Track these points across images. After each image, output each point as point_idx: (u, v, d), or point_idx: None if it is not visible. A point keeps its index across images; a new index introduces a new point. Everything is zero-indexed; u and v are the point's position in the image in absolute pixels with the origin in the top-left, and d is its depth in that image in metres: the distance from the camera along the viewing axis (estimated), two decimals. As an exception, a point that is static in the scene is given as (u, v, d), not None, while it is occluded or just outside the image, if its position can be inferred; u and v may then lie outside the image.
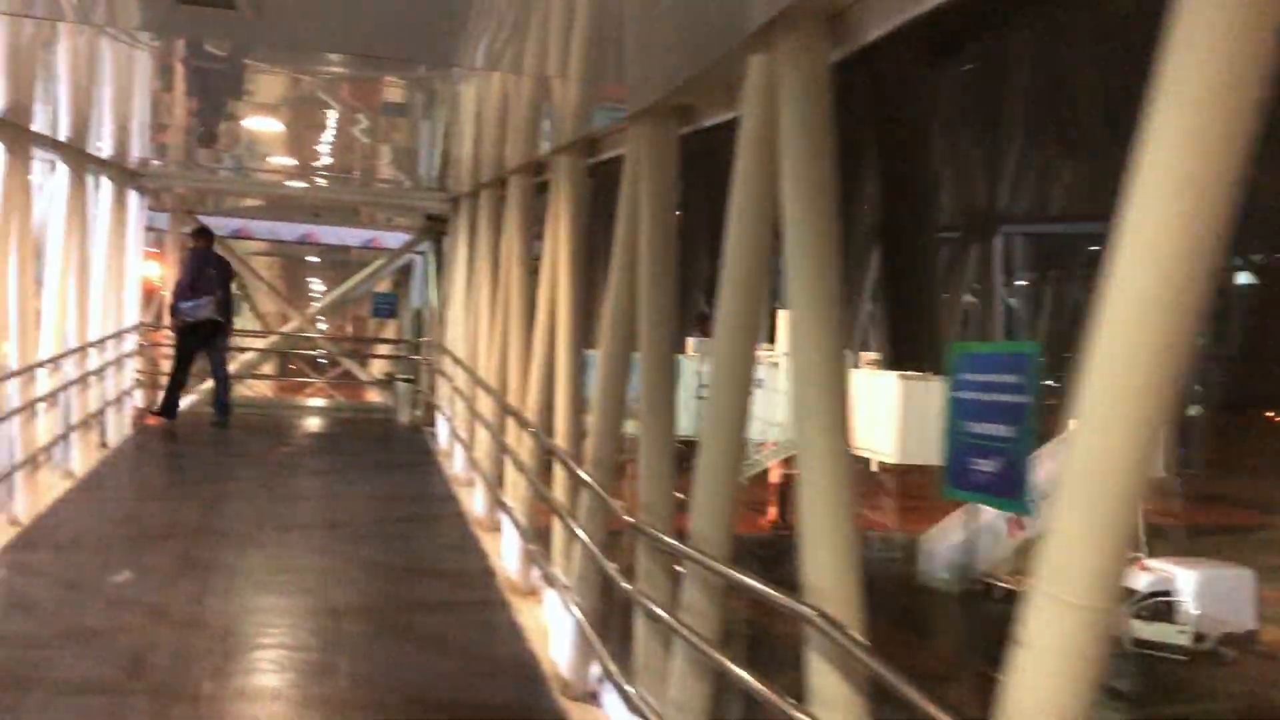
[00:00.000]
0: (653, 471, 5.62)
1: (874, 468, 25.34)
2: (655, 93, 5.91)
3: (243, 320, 32.64)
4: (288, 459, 13.18)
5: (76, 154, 11.16)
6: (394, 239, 21.88)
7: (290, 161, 12.83)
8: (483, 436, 11.27)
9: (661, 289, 5.78)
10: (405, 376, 18.38)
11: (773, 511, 26.31)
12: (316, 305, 21.01)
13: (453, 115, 10.20)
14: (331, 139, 11.88)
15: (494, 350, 10.75)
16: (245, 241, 22.94)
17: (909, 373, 22.31)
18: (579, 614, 6.35)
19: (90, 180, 12.67)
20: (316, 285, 33.96)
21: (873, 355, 26.90)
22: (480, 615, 7.69)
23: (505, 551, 9.12)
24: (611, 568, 5.92)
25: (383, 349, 27.57)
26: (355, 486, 11.67)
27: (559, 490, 7.53)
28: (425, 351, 18.17)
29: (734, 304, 4.84)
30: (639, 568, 5.42)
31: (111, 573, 7.96)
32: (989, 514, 26.79)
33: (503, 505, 9.49)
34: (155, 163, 14.07)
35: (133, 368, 14.45)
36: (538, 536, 8.65)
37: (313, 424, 17.45)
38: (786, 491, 27.36)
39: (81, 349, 11.70)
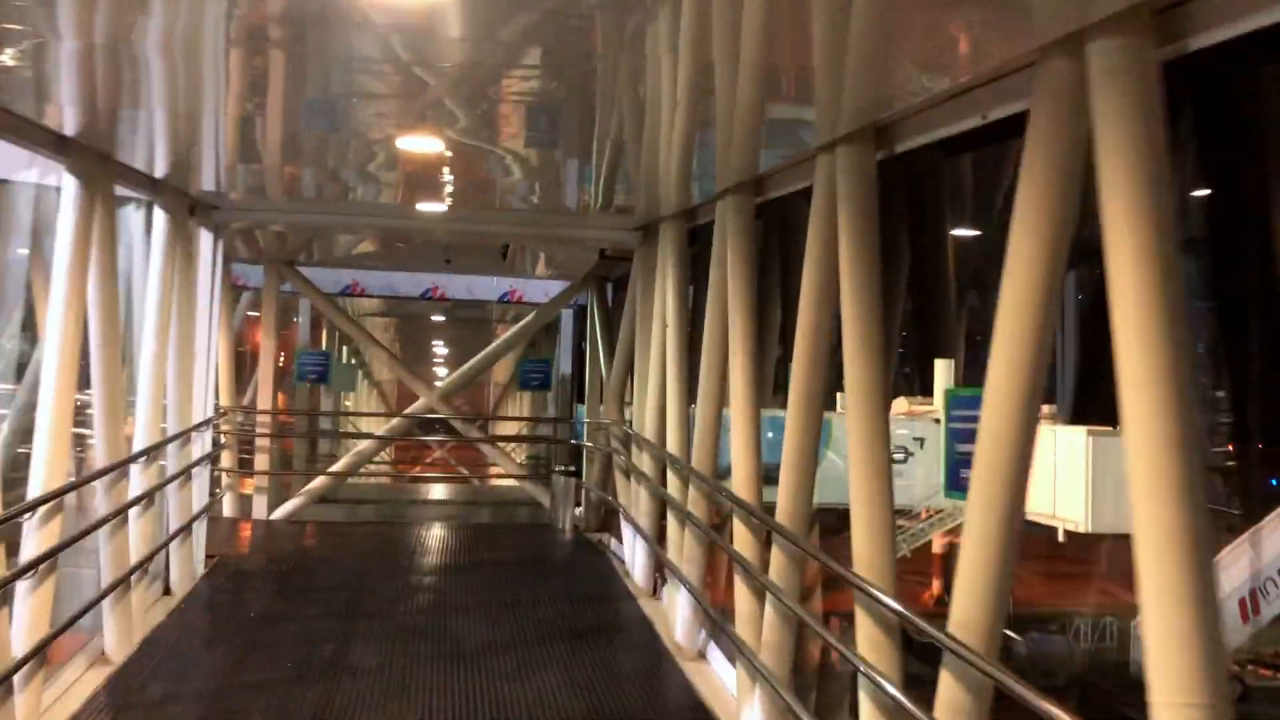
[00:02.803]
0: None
1: (1061, 538, 22.79)
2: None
3: (359, 396, 29.06)
4: (419, 621, 8.68)
5: (97, 162, 7.06)
6: (538, 290, 17.70)
7: (423, 176, 8.52)
8: (750, 604, 6.74)
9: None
10: (566, 468, 13.97)
11: (936, 585, 23.91)
12: (447, 379, 16.76)
13: (657, 90, 5.91)
14: (475, 140, 7.64)
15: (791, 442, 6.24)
16: (358, 300, 19.05)
17: (1098, 427, 19.93)
18: None
19: (128, 208, 8.71)
20: (440, 349, 30.02)
21: (1048, 408, 23.80)
22: None
23: None
24: None
25: (514, 430, 23.42)
26: (540, 696, 7.06)
27: None
28: (594, 436, 13.75)
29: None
30: None
31: None
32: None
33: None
34: (232, 193, 10.00)
35: (205, 479, 10.28)
36: None
37: (445, 536, 13.05)
38: (951, 563, 23.64)
39: (117, 467, 7.52)
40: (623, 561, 11.29)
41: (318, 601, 9.16)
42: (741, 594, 6.86)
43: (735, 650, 6.77)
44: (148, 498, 8.23)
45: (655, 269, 10.25)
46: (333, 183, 9.54)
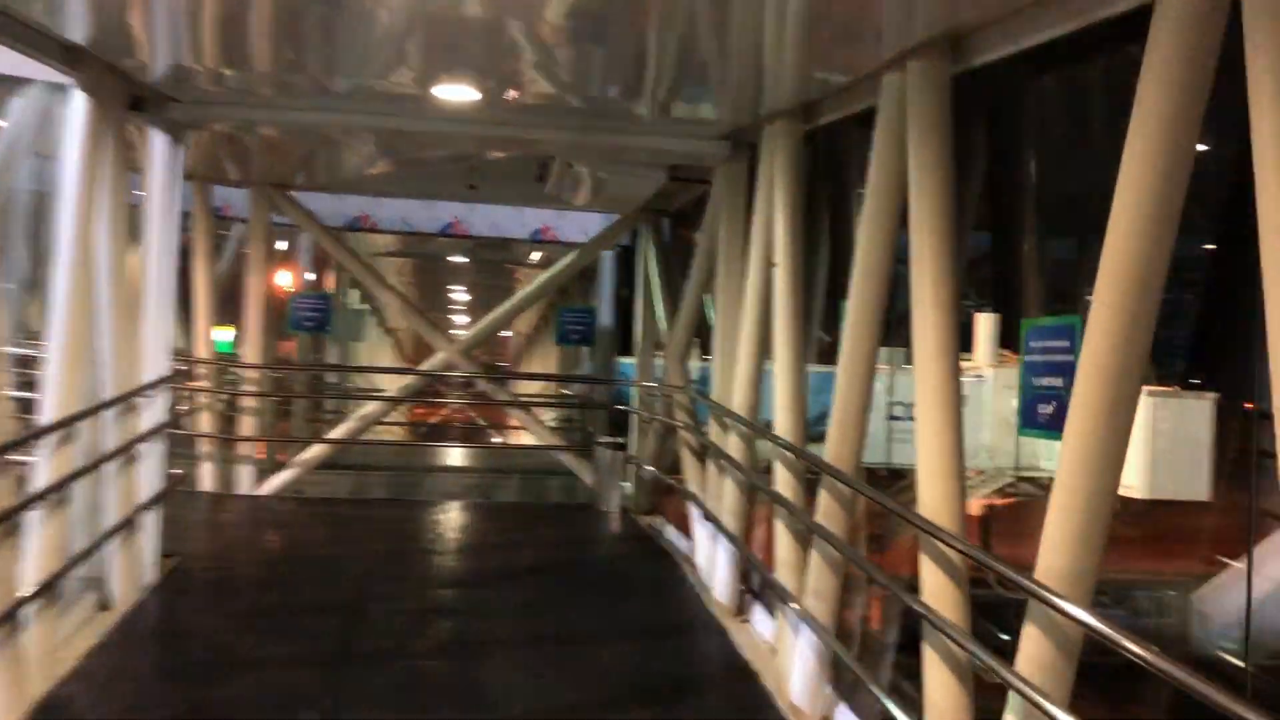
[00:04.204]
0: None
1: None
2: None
3: (370, 346, 26.56)
4: (436, 670, 6.17)
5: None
6: (574, 227, 15.21)
7: (447, 28, 5.98)
8: (953, 692, 4.33)
9: None
10: (613, 440, 11.57)
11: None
12: (469, 331, 14.27)
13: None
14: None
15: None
16: (368, 236, 16.55)
17: (1158, 388, 17.93)
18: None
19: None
20: (460, 295, 27.41)
21: None
22: None
23: None
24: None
25: (546, 391, 20.97)
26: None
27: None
28: (648, 403, 11.34)
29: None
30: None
31: None
32: (1288, 572, 21.29)
33: None
34: (197, 79, 7.49)
35: (159, 456, 7.86)
36: None
37: (467, 523, 10.69)
38: (990, 527, 22.40)
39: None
40: (689, 560, 8.97)
41: (299, 630, 6.76)
42: (938, 677, 4.43)
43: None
44: (55, 490, 5.86)
45: (750, 189, 7.76)
46: (329, 59, 6.99)
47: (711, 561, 8.17)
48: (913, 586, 4.96)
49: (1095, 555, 3.64)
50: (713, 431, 8.35)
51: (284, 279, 17.08)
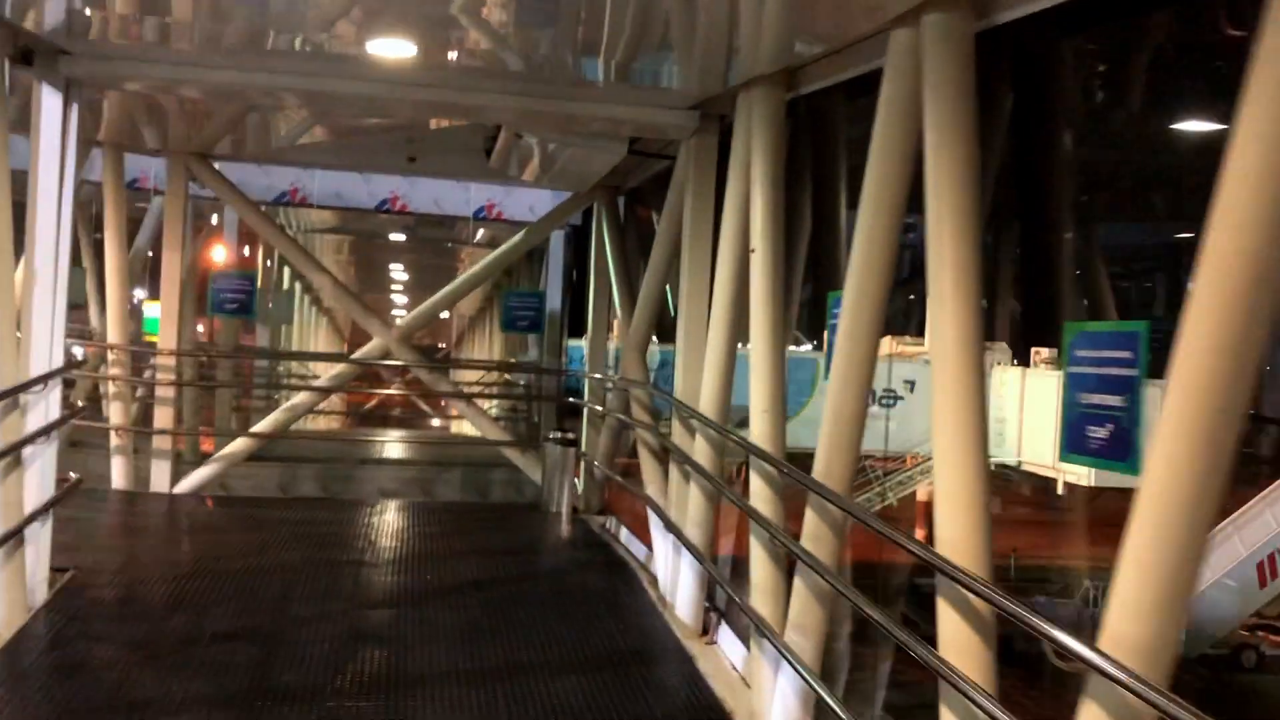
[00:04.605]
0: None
1: (1060, 490, 22.72)
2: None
3: (300, 328, 25.43)
4: (364, 712, 5.40)
5: None
6: (520, 205, 14.36)
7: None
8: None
9: None
10: (562, 435, 10.77)
11: (920, 535, 22.23)
12: (408, 315, 13.37)
13: None
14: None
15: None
16: (302, 212, 15.56)
17: None
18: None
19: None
20: (399, 275, 26.30)
21: (1048, 352, 23.06)
22: None
23: None
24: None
25: (490, 379, 20.09)
26: None
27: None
28: (600, 395, 10.57)
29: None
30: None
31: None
32: (1230, 559, 21.02)
33: None
34: (97, 31, 6.53)
35: (50, 459, 6.89)
36: None
37: (404, 527, 9.88)
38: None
39: None
40: (647, 569, 8.27)
41: (209, 663, 5.88)
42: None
43: None
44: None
45: (721, 165, 7.00)
46: (253, 6, 6.08)
47: (673, 575, 7.43)
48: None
49: (1177, 622, 2.94)
50: (675, 432, 7.60)
51: (218, 256, 16.05)
